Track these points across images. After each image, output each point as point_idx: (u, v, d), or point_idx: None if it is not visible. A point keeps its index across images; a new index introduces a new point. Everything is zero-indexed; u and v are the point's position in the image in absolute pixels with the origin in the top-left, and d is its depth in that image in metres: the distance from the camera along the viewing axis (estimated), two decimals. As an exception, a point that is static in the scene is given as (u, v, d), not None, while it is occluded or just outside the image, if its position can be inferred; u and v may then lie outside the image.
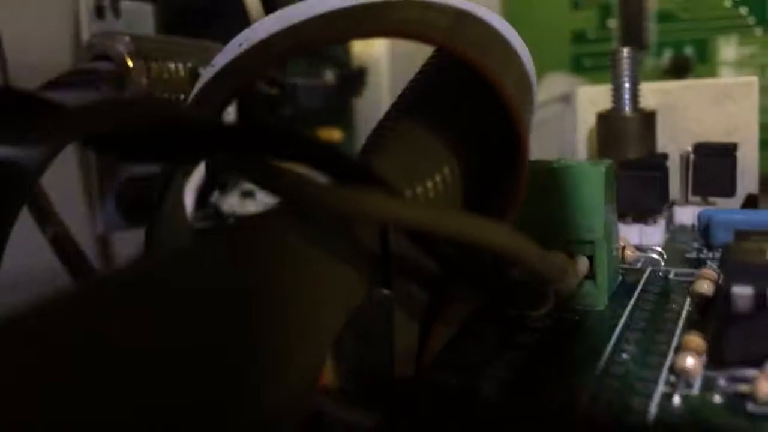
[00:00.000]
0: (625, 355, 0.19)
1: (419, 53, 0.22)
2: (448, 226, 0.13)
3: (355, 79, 0.56)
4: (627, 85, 0.32)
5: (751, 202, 0.32)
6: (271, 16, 0.21)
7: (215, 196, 0.40)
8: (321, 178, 0.14)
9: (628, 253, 0.26)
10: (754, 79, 0.33)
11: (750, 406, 0.16)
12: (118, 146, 0.14)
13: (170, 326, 0.13)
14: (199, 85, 0.21)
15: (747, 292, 0.17)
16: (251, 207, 0.39)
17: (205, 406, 0.13)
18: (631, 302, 0.22)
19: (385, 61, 0.59)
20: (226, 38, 0.22)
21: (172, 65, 0.33)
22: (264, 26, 0.21)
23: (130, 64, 0.31)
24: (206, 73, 0.21)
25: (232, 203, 0.39)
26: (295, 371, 0.16)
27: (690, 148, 0.31)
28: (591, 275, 0.22)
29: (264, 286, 0.15)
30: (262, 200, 0.36)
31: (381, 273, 0.19)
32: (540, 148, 0.32)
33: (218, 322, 0.14)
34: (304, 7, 0.20)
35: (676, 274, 0.25)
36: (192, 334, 0.13)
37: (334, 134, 0.55)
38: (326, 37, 0.18)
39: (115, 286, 0.12)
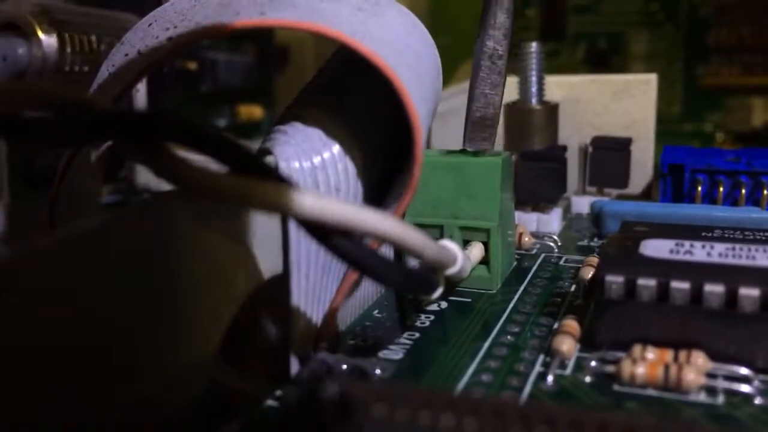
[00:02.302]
0: (509, 337, 0.20)
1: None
2: (336, 217, 0.14)
3: (277, 56, 0.56)
4: (534, 78, 0.33)
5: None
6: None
7: (131, 170, 0.39)
8: (216, 167, 0.15)
9: (525, 239, 0.27)
10: (652, 77, 0.35)
11: (615, 386, 0.17)
12: (12, 128, 0.14)
13: (77, 298, 0.13)
14: (108, 62, 0.21)
15: (618, 280, 0.18)
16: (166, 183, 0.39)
17: (111, 371, 0.14)
18: (522, 287, 0.24)
19: (310, 40, 0.59)
20: (141, 11, 0.22)
21: (85, 37, 0.32)
22: (175, 6, 0.21)
23: (40, 33, 0.30)
24: (116, 51, 0.21)
25: (148, 177, 0.39)
26: (192, 344, 0.17)
27: (587, 141, 0.33)
28: (485, 260, 0.23)
29: (161, 265, 0.16)
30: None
31: (281, 255, 0.20)
32: (449, 136, 0.33)
33: (119, 295, 0.14)
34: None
35: (566, 261, 0.26)
36: (94, 307, 0.14)
37: (255, 111, 0.55)
38: (233, 27, 0.18)
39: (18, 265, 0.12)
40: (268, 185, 0.14)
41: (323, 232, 0.15)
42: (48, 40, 0.30)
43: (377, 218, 0.15)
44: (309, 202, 0.14)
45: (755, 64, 0.48)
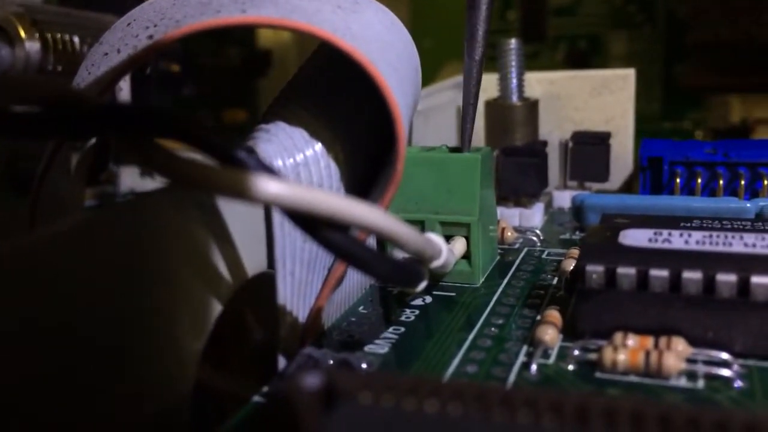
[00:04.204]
0: (493, 329, 0.20)
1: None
2: (323, 207, 0.14)
3: (260, 60, 0.56)
4: (513, 75, 0.34)
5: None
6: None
7: (115, 174, 0.39)
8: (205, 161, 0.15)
9: (508, 234, 0.27)
10: (630, 72, 0.36)
11: (597, 373, 0.18)
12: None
13: (59, 296, 0.13)
14: (86, 62, 0.21)
15: (598, 269, 0.18)
16: (151, 185, 0.39)
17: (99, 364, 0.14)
18: (505, 280, 0.24)
19: (292, 43, 0.59)
20: (122, 12, 0.22)
21: (68, 38, 0.32)
22: (155, 5, 0.21)
23: (22, 34, 0.30)
24: (94, 51, 0.21)
25: (133, 181, 0.39)
26: (177, 342, 0.17)
27: (567, 136, 0.33)
28: (467, 255, 0.23)
29: (145, 262, 0.16)
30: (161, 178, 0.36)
31: (266, 252, 0.20)
32: (431, 133, 0.34)
33: (102, 293, 0.14)
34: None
35: (549, 254, 0.26)
36: (77, 305, 0.14)
37: (238, 114, 0.55)
38: (214, 24, 0.18)
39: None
40: (254, 176, 0.14)
41: (311, 223, 0.15)
42: (31, 41, 0.30)
43: (364, 209, 0.15)
44: (298, 193, 0.14)
45: (732, 63, 0.49)
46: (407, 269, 0.18)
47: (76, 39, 0.32)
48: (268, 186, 0.14)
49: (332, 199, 0.15)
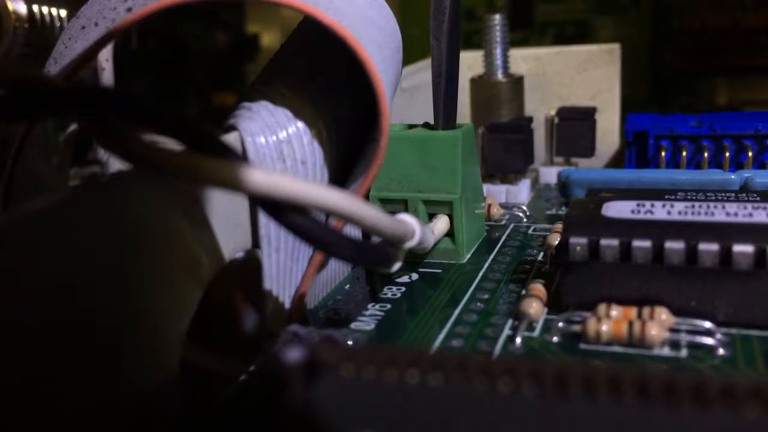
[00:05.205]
0: (479, 304, 0.20)
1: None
2: (285, 192, 0.14)
3: (248, 44, 0.56)
4: (498, 51, 0.33)
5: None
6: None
7: (105, 155, 0.39)
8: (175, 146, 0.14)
9: (494, 210, 0.27)
10: (615, 46, 0.36)
11: (582, 345, 0.18)
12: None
13: (38, 279, 0.13)
14: (63, 36, 0.21)
15: (582, 242, 0.19)
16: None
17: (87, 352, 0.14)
18: (491, 256, 0.24)
19: (279, 27, 0.59)
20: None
21: (55, 11, 0.32)
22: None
23: (10, 7, 0.30)
24: (71, 25, 0.21)
25: (121, 163, 0.39)
26: (163, 322, 0.17)
27: (554, 112, 0.33)
28: (451, 233, 0.23)
29: (131, 241, 0.16)
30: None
31: (250, 234, 0.20)
32: (416, 111, 0.33)
33: (82, 276, 0.14)
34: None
35: (535, 230, 0.26)
36: (56, 288, 0.14)
37: (227, 99, 0.55)
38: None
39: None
40: (219, 162, 0.13)
41: (276, 207, 0.15)
42: (18, 14, 0.30)
43: (327, 193, 0.15)
44: (258, 178, 0.14)
45: (718, 46, 0.49)
46: (375, 251, 0.18)
47: (63, 13, 0.32)
48: (229, 172, 0.14)
49: (292, 183, 0.14)
